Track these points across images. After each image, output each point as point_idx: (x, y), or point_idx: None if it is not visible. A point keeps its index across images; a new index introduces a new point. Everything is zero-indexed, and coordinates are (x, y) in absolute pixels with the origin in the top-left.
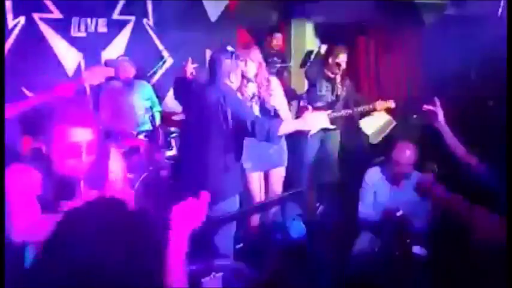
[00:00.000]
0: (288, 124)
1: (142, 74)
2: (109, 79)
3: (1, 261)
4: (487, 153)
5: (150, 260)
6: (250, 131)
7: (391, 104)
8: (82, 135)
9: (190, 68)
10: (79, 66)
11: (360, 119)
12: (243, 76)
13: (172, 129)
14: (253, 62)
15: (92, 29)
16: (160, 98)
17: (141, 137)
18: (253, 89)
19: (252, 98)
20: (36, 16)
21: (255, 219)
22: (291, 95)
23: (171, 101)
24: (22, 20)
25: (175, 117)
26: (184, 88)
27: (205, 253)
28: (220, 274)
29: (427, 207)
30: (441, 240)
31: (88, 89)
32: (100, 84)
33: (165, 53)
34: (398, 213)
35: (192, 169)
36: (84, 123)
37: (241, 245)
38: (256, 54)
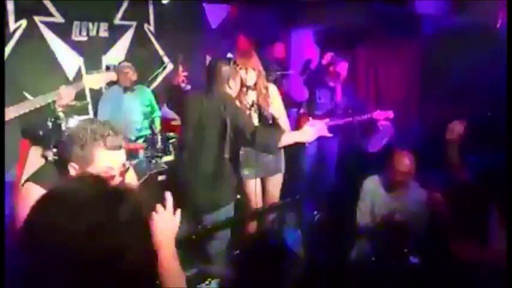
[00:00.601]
0: (288, 136)
1: (143, 79)
2: (110, 84)
3: (1, 260)
4: (488, 159)
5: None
6: (250, 141)
7: (390, 114)
8: (117, 158)
9: (181, 76)
10: (80, 70)
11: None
12: (243, 84)
13: (172, 134)
14: (253, 70)
15: (93, 33)
16: (161, 103)
17: (140, 141)
18: (252, 97)
19: (251, 106)
20: (37, 19)
21: (252, 227)
22: (290, 102)
23: None
24: (24, 23)
25: (174, 123)
26: (178, 97)
27: (202, 259)
28: (216, 280)
29: (424, 217)
30: (437, 249)
31: (88, 93)
32: (100, 88)
33: (166, 59)
34: (396, 217)
35: (189, 175)
36: (118, 146)
37: (237, 252)
38: (256, 62)
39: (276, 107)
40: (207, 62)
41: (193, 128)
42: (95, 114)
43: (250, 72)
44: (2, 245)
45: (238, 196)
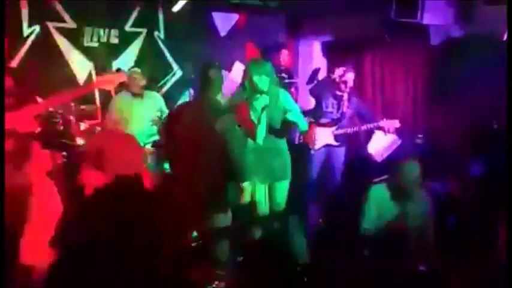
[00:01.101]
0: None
1: (152, 85)
2: (119, 89)
3: (1, 260)
4: (490, 167)
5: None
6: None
7: (396, 123)
8: None
9: None
10: (90, 75)
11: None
12: (255, 88)
13: None
14: (266, 76)
15: (104, 39)
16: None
17: (148, 146)
18: (265, 101)
19: (263, 109)
20: (50, 25)
21: (257, 232)
22: None
23: None
24: (37, 28)
25: None
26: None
27: (206, 262)
28: (223, 283)
29: (431, 224)
30: (445, 256)
31: (97, 98)
32: (109, 94)
33: (175, 66)
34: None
35: (186, 182)
36: None
37: (241, 258)
38: (269, 68)
39: (292, 108)
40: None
41: (184, 138)
42: (104, 119)
43: (264, 78)
44: (2, 244)
45: (242, 202)
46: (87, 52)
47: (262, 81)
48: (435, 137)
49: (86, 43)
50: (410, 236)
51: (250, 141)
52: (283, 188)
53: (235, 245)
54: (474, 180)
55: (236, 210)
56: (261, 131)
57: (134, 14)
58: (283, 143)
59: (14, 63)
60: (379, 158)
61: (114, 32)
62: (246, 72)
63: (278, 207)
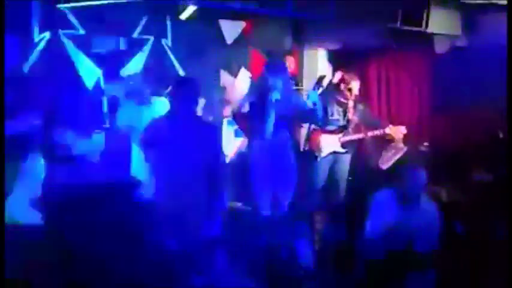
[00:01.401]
0: None
1: (159, 92)
2: (127, 96)
3: (1, 259)
4: (495, 174)
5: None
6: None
7: (402, 129)
8: None
9: None
10: (98, 81)
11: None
12: (270, 86)
13: None
14: (280, 75)
15: (112, 46)
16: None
17: None
18: (276, 96)
19: (275, 102)
20: (60, 32)
21: (262, 239)
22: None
23: None
24: (48, 34)
25: None
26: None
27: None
28: None
29: (436, 230)
30: (448, 261)
31: (105, 103)
32: (117, 100)
33: (182, 73)
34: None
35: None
36: None
37: (245, 263)
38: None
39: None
40: (222, 76)
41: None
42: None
43: (278, 77)
44: (2, 244)
45: (239, 203)
46: (95, 59)
47: (276, 80)
48: (441, 144)
49: (95, 50)
50: (415, 242)
51: (254, 146)
52: (288, 194)
53: (239, 251)
54: (479, 187)
55: (239, 216)
56: (269, 126)
57: (142, 22)
58: (289, 149)
59: (25, 69)
60: (385, 165)
61: (122, 39)
62: (261, 72)
63: (283, 213)
